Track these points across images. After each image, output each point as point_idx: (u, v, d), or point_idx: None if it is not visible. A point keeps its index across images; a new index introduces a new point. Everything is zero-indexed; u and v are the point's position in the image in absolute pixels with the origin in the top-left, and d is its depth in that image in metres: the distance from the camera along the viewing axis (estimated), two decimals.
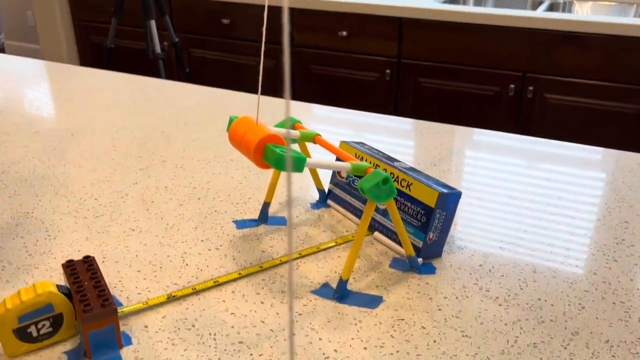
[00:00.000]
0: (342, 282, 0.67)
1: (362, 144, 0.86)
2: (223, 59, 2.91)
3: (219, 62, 2.93)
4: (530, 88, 2.34)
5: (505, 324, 0.64)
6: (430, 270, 0.73)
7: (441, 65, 2.47)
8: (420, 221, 0.73)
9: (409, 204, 0.75)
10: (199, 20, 2.89)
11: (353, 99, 2.69)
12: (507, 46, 2.32)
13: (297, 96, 2.82)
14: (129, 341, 0.61)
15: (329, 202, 0.88)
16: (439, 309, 0.66)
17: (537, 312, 0.66)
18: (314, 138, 0.76)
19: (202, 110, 1.25)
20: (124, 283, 0.70)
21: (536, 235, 0.81)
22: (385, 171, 0.78)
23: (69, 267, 0.64)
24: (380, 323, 0.64)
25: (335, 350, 0.60)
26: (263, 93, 2.71)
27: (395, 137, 1.12)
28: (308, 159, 0.62)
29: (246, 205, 0.88)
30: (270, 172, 0.97)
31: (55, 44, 3.29)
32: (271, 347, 0.61)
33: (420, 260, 0.73)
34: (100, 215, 0.85)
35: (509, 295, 0.69)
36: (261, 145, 0.62)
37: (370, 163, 0.80)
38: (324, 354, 0.60)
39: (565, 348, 0.61)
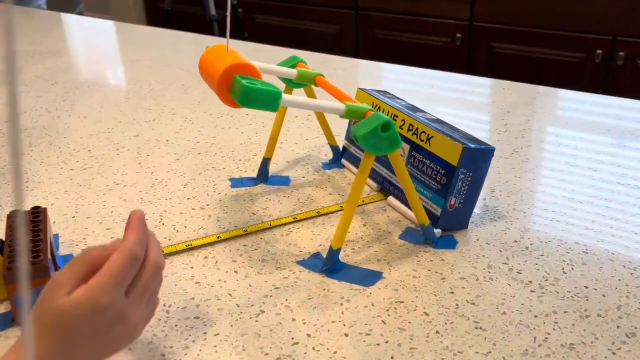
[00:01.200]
0: (332, 252, 0.55)
1: (385, 92, 0.72)
2: (285, 25, 2.79)
3: (281, 28, 2.82)
4: (621, 54, 2.07)
5: (535, 316, 0.49)
6: (450, 244, 0.59)
7: (518, 29, 2.23)
8: (439, 183, 0.59)
9: (427, 162, 0.61)
10: None
11: (420, 65, 2.51)
12: (594, 6, 2.06)
13: None
14: None
15: (343, 161, 0.75)
16: (451, 292, 0.52)
17: (582, 303, 0.50)
18: (315, 78, 0.63)
19: None
20: (88, 241, 0.61)
21: (594, 208, 0.64)
22: (404, 122, 0.64)
23: (12, 218, 0.55)
24: (373, 305, 0.51)
25: (308, 335, 0.48)
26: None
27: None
28: (285, 95, 0.50)
29: (249, 163, 0.76)
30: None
31: (125, 12, 3.31)
32: (231, 325, 0.49)
33: (438, 231, 0.59)
34: (88, 167, 0.76)
35: (546, 280, 0.53)
36: (227, 75, 0.49)
37: (386, 112, 0.66)
38: (292, 338, 0.48)
39: (613, 353, 0.45)
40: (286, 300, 0.52)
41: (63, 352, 0.39)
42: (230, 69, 0.49)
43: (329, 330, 0.48)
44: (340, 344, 0.47)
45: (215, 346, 0.47)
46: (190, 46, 1.28)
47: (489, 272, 0.55)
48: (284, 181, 0.72)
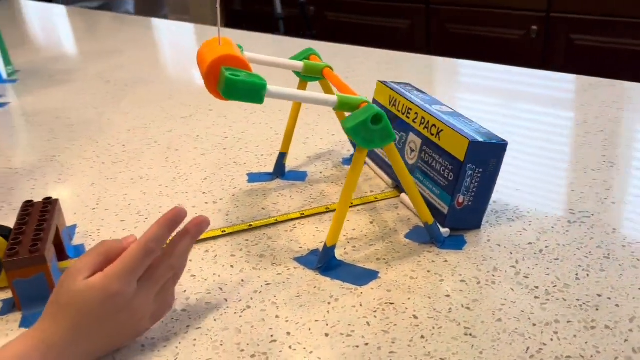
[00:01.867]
0: (326, 250, 0.53)
1: (407, 84, 0.69)
2: (356, 22, 2.77)
3: (351, 25, 2.80)
4: None
5: (534, 325, 0.45)
6: (457, 244, 0.55)
7: (599, 19, 2.09)
8: (447, 179, 0.56)
9: (437, 157, 0.57)
10: None
11: (493, 60, 2.41)
12: None
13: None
14: None
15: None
16: (447, 295, 0.49)
17: (590, 313, 0.46)
18: (323, 71, 0.61)
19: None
20: (102, 233, 0.63)
21: (632, 206, 0.58)
22: (417, 116, 0.61)
23: (26, 208, 0.57)
24: (361, 305, 0.49)
25: (288, 334, 0.47)
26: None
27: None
28: (271, 87, 0.48)
29: (270, 158, 0.76)
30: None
31: (204, 14, 3.42)
32: (214, 320, 0.49)
33: (446, 231, 0.56)
34: (119, 161, 0.79)
35: (554, 286, 0.49)
36: (215, 67, 0.49)
37: (401, 106, 0.64)
38: (272, 336, 0.46)
39: None
40: (274, 296, 0.51)
41: (74, 333, 0.43)
42: (218, 60, 0.49)
43: (310, 330, 0.47)
44: (319, 344, 0.45)
45: (195, 340, 0.47)
46: (250, 44, 1.29)
47: (493, 276, 0.51)
48: (300, 176, 0.71)
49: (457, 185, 0.54)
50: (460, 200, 0.55)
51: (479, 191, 0.55)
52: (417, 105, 0.61)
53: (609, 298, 0.47)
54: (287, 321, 0.48)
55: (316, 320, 0.48)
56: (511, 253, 0.53)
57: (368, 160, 0.71)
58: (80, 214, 0.67)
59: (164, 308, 0.48)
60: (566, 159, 0.70)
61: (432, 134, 0.58)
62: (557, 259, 0.52)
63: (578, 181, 0.65)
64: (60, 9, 1.87)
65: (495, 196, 0.62)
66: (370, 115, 0.48)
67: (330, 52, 1.19)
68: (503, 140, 0.54)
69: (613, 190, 0.62)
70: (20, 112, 1.00)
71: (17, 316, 0.51)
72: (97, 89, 1.08)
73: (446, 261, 0.53)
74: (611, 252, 0.52)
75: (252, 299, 0.51)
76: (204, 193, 0.69)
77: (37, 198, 0.71)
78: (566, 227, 0.56)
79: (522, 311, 0.46)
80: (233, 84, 0.47)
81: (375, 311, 0.48)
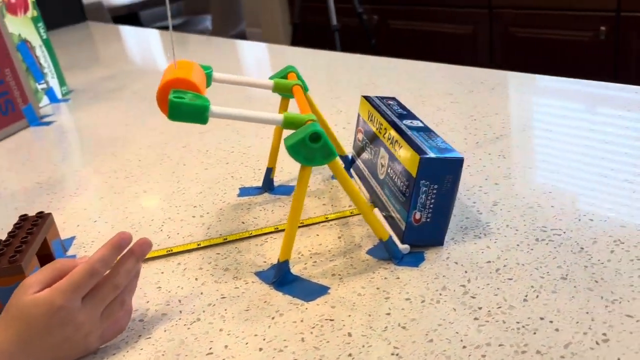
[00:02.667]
0: (279, 265, 0.54)
1: (391, 99, 0.69)
2: (417, 28, 2.75)
3: (413, 32, 2.77)
4: None
5: (464, 347, 0.44)
6: (415, 261, 0.55)
7: None
8: (404, 195, 0.55)
9: (398, 172, 0.57)
10: None
11: (560, 64, 2.30)
12: None
13: (496, 64, 2.52)
14: None
15: (352, 171, 0.73)
16: (388, 314, 0.49)
17: (525, 337, 0.44)
18: (292, 88, 0.62)
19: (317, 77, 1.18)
20: (95, 244, 0.67)
21: (609, 224, 0.55)
22: (385, 131, 0.60)
23: (19, 222, 0.63)
24: (302, 321, 0.50)
25: (225, 347, 0.48)
26: (460, 61, 2.43)
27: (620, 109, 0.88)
28: (214, 108, 0.50)
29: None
30: None
31: (272, 27, 3.51)
32: (164, 330, 0.51)
33: (405, 247, 0.55)
34: (131, 176, 0.84)
35: (498, 308, 0.47)
36: (165, 91, 0.52)
37: (376, 121, 0.64)
38: (210, 348, 0.48)
39: None
40: (225, 310, 0.52)
41: (20, 344, 0.46)
42: (168, 84, 0.52)
43: (247, 344, 0.48)
44: (251, 359, 0.46)
45: (142, 349, 0.49)
46: (302, 61, 1.33)
47: (440, 295, 0.50)
48: (287, 191, 0.72)
49: (411, 201, 0.54)
50: (417, 217, 0.55)
51: (436, 208, 0.54)
52: (386, 121, 0.61)
53: (551, 321, 0.45)
54: (228, 334, 0.49)
55: (255, 335, 0.49)
56: (466, 272, 0.52)
57: (353, 173, 0.72)
58: (82, 226, 0.72)
59: (115, 328, 0.50)
60: (558, 172, 0.67)
61: (395, 150, 0.58)
62: (511, 279, 0.50)
63: (562, 195, 0.62)
64: (130, 30, 2.00)
65: (466, 212, 0.61)
66: (308, 134, 0.49)
67: (389, 67, 1.19)
68: (458, 155, 0.53)
69: (596, 205, 0.59)
70: (61, 129, 1.09)
71: None
72: (132, 107, 1.15)
73: (398, 278, 0.53)
74: (570, 273, 0.50)
75: (204, 311, 0.53)
76: (194, 207, 0.72)
77: (51, 211, 0.77)
78: (531, 246, 0.54)
79: (457, 332, 0.45)
80: (176, 106, 0.49)
81: (313, 327, 0.49)
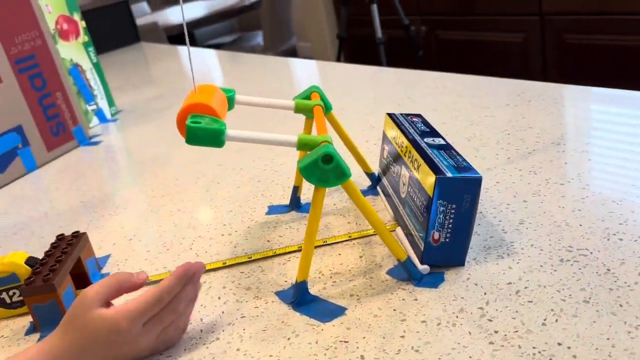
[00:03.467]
0: (297, 285, 0.54)
1: (416, 116, 0.69)
2: (467, 38, 2.71)
3: (463, 42, 2.74)
4: None
5: None
6: (434, 282, 0.54)
7: None
8: (422, 215, 0.54)
9: (417, 191, 0.56)
10: (443, 1, 2.75)
11: (621, 72, 2.21)
12: None
13: (549, 75, 2.45)
14: None
15: (378, 188, 0.73)
16: (402, 336, 0.48)
17: None
18: (313, 109, 0.63)
19: (353, 93, 1.18)
20: (128, 262, 0.70)
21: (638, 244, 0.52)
22: (406, 149, 0.60)
23: (56, 241, 0.66)
24: (317, 342, 0.50)
25: None
26: (514, 74, 2.36)
27: None
28: (230, 131, 0.52)
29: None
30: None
31: (321, 41, 3.54)
32: (184, 349, 0.52)
33: (424, 268, 0.55)
34: (166, 194, 0.86)
35: (515, 332, 0.46)
36: (184, 115, 0.53)
37: (399, 139, 0.63)
38: None
39: None
40: (243, 330, 0.53)
41: (77, 353, 0.49)
42: (187, 109, 0.53)
43: None
44: None
45: None
46: (347, 77, 1.34)
47: (456, 317, 0.49)
48: None
49: (429, 221, 0.53)
50: (436, 237, 0.54)
51: (455, 227, 0.53)
52: (407, 139, 0.61)
53: (569, 347, 0.43)
54: (244, 354, 0.50)
55: (270, 355, 0.49)
56: (485, 293, 0.51)
57: (381, 193, 0.71)
58: (118, 244, 0.75)
59: (165, 345, 0.53)
60: (577, 188, 0.64)
61: (415, 168, 0.57)
62: (531, 302, 0.49)
63: (591, 214, 0.59)
64: (184, 49, 2.06)
65: (491, 230, 0.60)
66: (321, 155, 0.50)
67: (426, 81, 1.19)
68: (477, 175, 0.52)
69: (628, 224, 0.56)
70: (108, 149, 1.14)
71: (37, 336, 0.59)
72: (174, 126, 1.18)
73: (416, 299, 0.52)
74: (593, 296, 0.48)
75: (223, 330, 0.54)
76: (224, 225, 0.73)
77: (90, 230, 0.80)
78: (555, 266, 0.52)
79: (470, 357, 0.44)
80: (193, 131, 0.51)
81: (327, 349, 0.49)
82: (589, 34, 2.26)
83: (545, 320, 0.46)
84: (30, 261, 0.63)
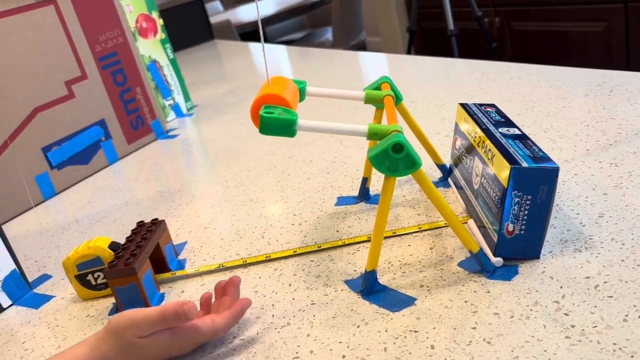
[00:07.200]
0: (366, 274, 0.55)
1: (490, 106, 0.67)
2: (544, 29, 2.61)
3: (539, 33, 2.64)
4: None
5: None
6: (508, 275, 0.53)
7: None
8: (496, 206, 0.53)
9: (490, 182, 0.55)
10: None
11: None
12: None
13: (632, 67, 2.32)
14: (160, 301, 0.63)
15: (450, 180, 0.72)
16: (473, 328, 0.47)
17: (623, 359, 0.41)
18: (383, 100, 0.63)
19: (424, 85, 1.17)
20: (205, 248, 0.72)
21: None
22: (480, 139, 0.59)
23: (136, 227, 0.69)
24: (386, 331, 0.50)
25: (311, 352, 0.50)
26: (590, 62, 2.25)
27: None
28: (301, 121, 0.52)
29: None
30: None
31: (391, 35, 3.51)
32: (257, 333, 0.54)
33: (497, 260, 0.53)
34: (240, 185, 0.89)
35: (594, 327, 0.44)
36: (257, 106, 0.55)
37: (472, 130, 0.62)
38: (296, 352, 0.50)
39: None
40: (313, 316, 0.54)
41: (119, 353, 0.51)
42: (260, 100, 0.54)
43: (331, 350, 0.49)
44: None
45: (235, 350, 0.52)
46: (416, 70, 1.33)
47: (530, 310, 0.47)
48: None
49: (503, 212, 0.52)
50: (510, 229, 0.53)
51: (531, 219, 0.52)
52: (481, 129, 0.60)
53: None
54: (315, 340, 0.51)
55: (340, 342, 0.50)
56: (561, 287, 0.49)
57: (451, 182, 0.70)
58: (194, 232, 0.77)
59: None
60: None
61: (489, 159, 0.56)
62: (611, 297, 0.47)
63: None
64: (255, 46, 2.10)
65: (568, 223, 0.58)
66: (391, 144, 0.49)
67: (500, 72, 1.17)
68: (554, 165, 0.50)
69: None
70: (184, 142, 1.18)
71: None
72: (247, 120, 1.21)
73: (488, 292, 0.51)
74: None
75: (294, 316, 0.55)
76: (294, 215, 0.75)
77: (168, 219, 0.84)
78: (638, 262, 0.50)
79: (545, 350, 0.43)
80: (265, 120, 0.52)
81: (397, 338, 0.49)
82: None
83: (626, 316, 0.44)
84: (113, 246, 0.66)
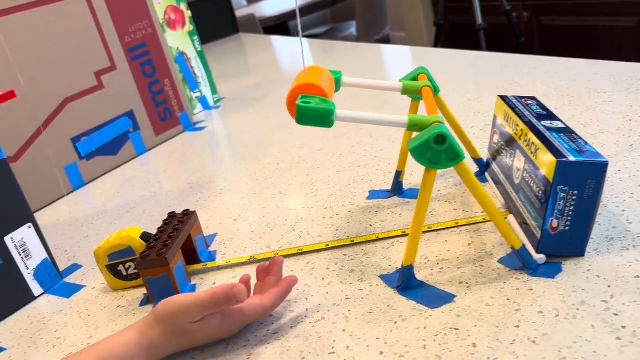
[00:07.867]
0: (403, 270, 0.53)
1: (530, 98, 0.65)
2: (573, 24, 2.56)
3: (568, 28, 2.59)
4: None
5: None
6: (551, 272, 0.51)
7: None
8: (540, 201, 0.51)
9: (534, 177, 0.53)
10: None
11: None
12: None
13: None
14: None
15: (487, 174, 0.70)
16: (517, 327, 0.46)
17: None
18: (422, 90, 0.61)
19: (456, 78, 1.15)
20: (235, 240, 0.72)
21: None
22: (522, 132, 0.57)
23: (168, 218, 0.69)
24: (425, 328, 0.48)
25: (347, 347, 0.48)
26: (622, 58, 2.21)
27: None
28: (339, 112, 0.51)
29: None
30: None
31: (416, 29, 3.48)
32: (290, 327, 0.53)
33: (540, 257, 0.52)
34: (269, 178, 0.88)
35: None
36: (294, 96, 0.53)
37: (512, 123, 0.60)
38: (332, 347, 0.49)
39: None
40: (348, 311, 0.53)
41: (167, 338, 0.51)
42: (297, 89, 0.53)
43: (368, 346, 0.48)
44: None
45: (268, 343, 0.51)
46: (434, 59, 1.31)
47: (577, 310, 0.46)
48: (417, 194, 0.70)
49: (548, 208, 0.50)
50: (555, 225, 0.51)
51: (576, 215, 0.50)
52: (523, 122, 0.58)
53: None
54: (351, 335, 0.50)
55: (377, 338, 0.49)
56: (609, 286, 0.47)
57: (488, 177, 0.69)
58: (224, 224, 0.77)
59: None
60: None
61: (532, 152, 0.54)
62: None
63: None
64: (279, 40, 2.10)
65: (613, 220, 0.56)
66: (433, 135, 0.48)
67: (534, 66, 1.14)
68: (602, 159, 0.48)
69: None
70: (212, 134, 1.17)
71: (150, 307, 0.62)
72: (274, 113, 1.20)
73: (531, 289, 0.49)
74: None
75: (329, 311, 0.54)
76: (325, 208, 0.73)
77: (198, 210, 0.83)
78: None
79: (595, 352, 0.41)
80: (303, 110, 0.51)
81: (436, 335, 0.47)
82: None
83: None
84: (145, 236, 0.66)
